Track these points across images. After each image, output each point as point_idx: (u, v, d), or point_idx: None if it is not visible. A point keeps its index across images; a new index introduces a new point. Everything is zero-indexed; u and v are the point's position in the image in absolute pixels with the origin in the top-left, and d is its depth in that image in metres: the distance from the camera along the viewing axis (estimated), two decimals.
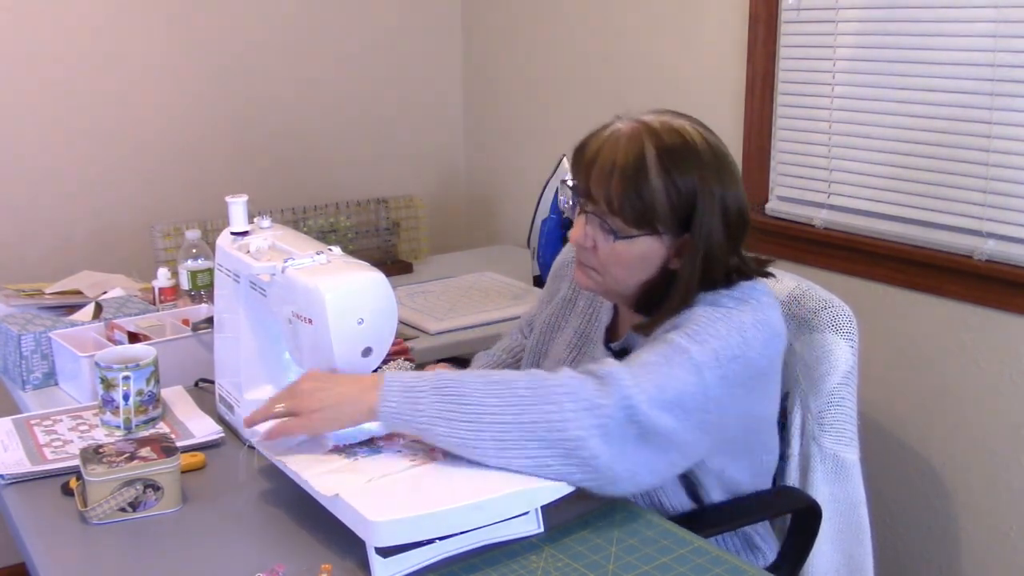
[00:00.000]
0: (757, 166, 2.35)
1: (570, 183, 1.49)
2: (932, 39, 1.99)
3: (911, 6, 2.01)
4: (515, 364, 1.82)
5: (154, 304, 2.13)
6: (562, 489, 1.28)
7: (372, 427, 1.40)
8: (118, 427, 1.60)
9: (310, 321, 1.40)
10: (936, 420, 2.08)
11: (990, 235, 1.94)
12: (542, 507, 1.28)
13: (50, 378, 1.91)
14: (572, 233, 1.47)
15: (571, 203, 1.47)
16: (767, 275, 1.49)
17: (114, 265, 2.56)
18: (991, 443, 1.99)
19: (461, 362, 1.97)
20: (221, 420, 1.65)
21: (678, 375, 1.30)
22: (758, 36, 2.29)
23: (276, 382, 1.58)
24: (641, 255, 1.42)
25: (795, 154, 2.29)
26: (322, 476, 1.28)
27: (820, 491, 1.59)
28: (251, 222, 1.62)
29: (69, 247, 2.75)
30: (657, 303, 1.44)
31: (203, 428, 1.62)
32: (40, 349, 1.89)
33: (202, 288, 2.20)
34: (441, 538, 1.21)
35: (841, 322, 1.60)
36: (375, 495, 1.23)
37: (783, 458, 1.63)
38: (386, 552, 1.19)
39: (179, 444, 1.50)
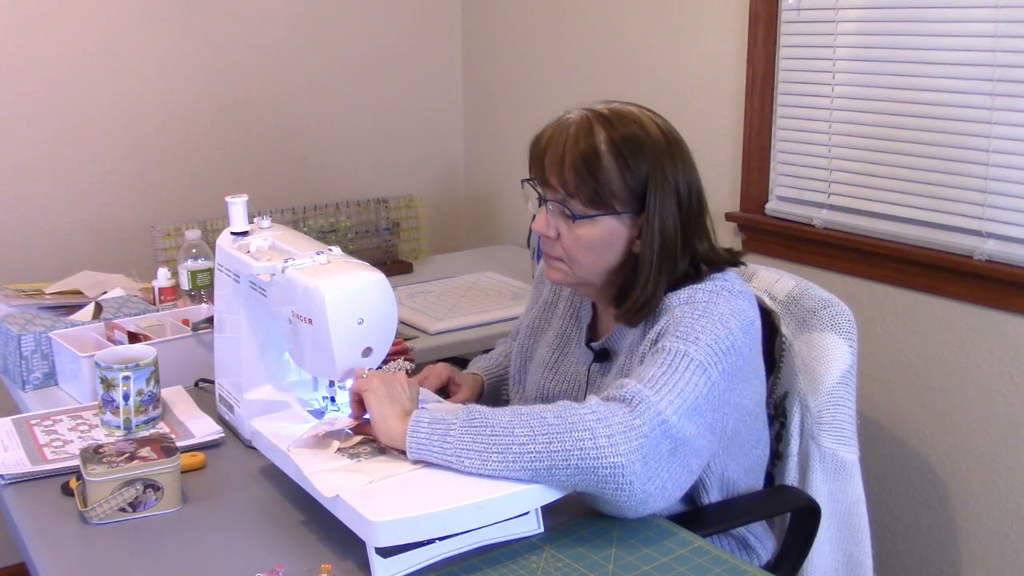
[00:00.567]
0: (757, 166, 2.35)
1: (528, 180, 1.53)
2: (932, 39, 1.99)
3: (911, 6, 2.01)
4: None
5: (154, 304, 2.13)
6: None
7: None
8: (118, 427, 1.60)
9: (310, 321, 1.40)
10: (936, 420, 2.09)
11: (990, 235, 1.94)
12: (542, 507, 1.28)
13: (50, 378, 1.91)
14: (535, 225, 1.49)
15: (537, 202, 1.50)
16: (737, 264, 1.51)
17: (114, 265, 2.56)
18: (991, 443, 1.99)
19: (461, 362, 1.97)
20: (221, 420, 1.66)
21: (688, 379, 1.31)
22: (758, 36, 2.29)
23: (276, 382, 1.58)
24: (603, 238, 1.44)
25: (795, 154, 2.29)
26: (324, 475, 1.28)
27: (819, 490, 1.59)
28: (251, 222, 1.62)
29: (69, 247, 2.75)
30: (629, 294, 1.46)
31: (203, 428, 1.62)
32: (40, 349, 1.89)
33: (202, 288, 2.20)
34: (441, 538, 1.21)
35: (840, 322, 1.60)
36: (375, 495, 1.23)
37: (782, 457, 1.64)
38: (386, 552, 1.19)
39: (179, 444, 1.50)
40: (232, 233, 1.61)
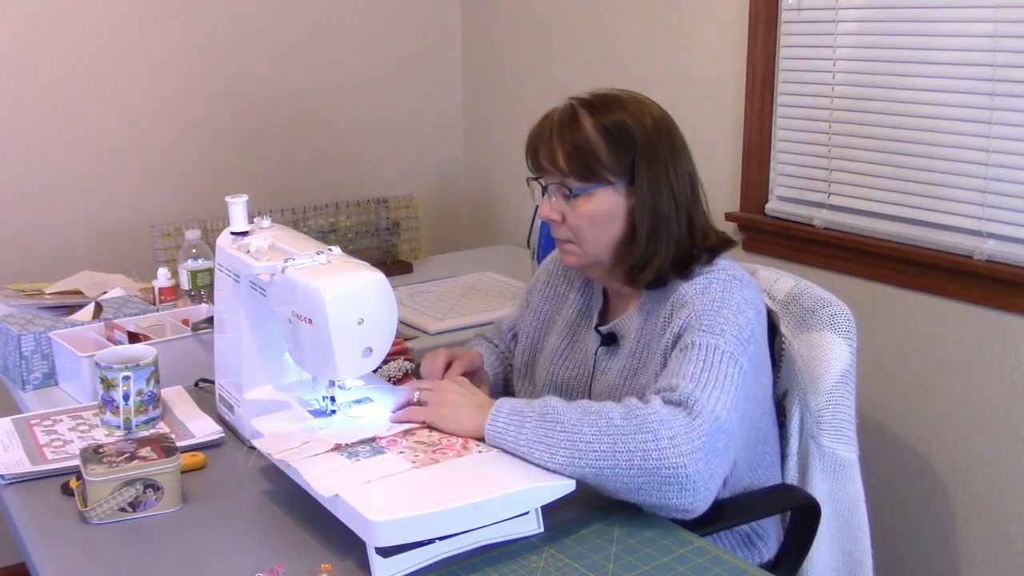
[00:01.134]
0: (757, 166, 2.35)
1: (530, 177, 1.59)
2: (932, 39, 1.99)
3: (911, 6, 2.01)
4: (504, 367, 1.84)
5: (154, 304, 2.13)
6: (562, 489, 1.29)
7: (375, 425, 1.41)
8: (118, 427, 1.60)
9: (310, 321, 1.40)
10: (935, 419, 2.09)
11: (990, 235, 1.94)
12: (542, 507, 1.28)
13: (50, 378, 1.91)
14: (541, 212, 1.55)
15: (542, 193, 1.57)
16: (729, 244, 1.56)
17: (114, 265, 2.56)
18: (991, 443, 1.99)
19: None
20: (221, 420, 1.66)
21: (726, 372, 1.36)
22: (758, 36, 2.29)
23: (276, 382, 1.58)
24: (602, 209, 1.50)
25: (795, 154, 2.29)
26: (322, 476, 1.28)
27: (819, 489, 1.59)
28: (251, 222, 1.62)
29: (69, 247, 2.75)
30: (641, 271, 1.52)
31: (203, 428, 1.62)
32: (40, 349, 1.89)
33: (202, 288, 2.20)
34: (441, 538, 1.21)
35: (840, 321, 1.61)
36: (375, 495, 1.23)
37: (782, 456, 1.63)
38: (386, 552, 1.19)
39: (179, 444, 1.50)
40: (232, 233, 1.61)
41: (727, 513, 1.46)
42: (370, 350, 1.43)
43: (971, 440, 2.03)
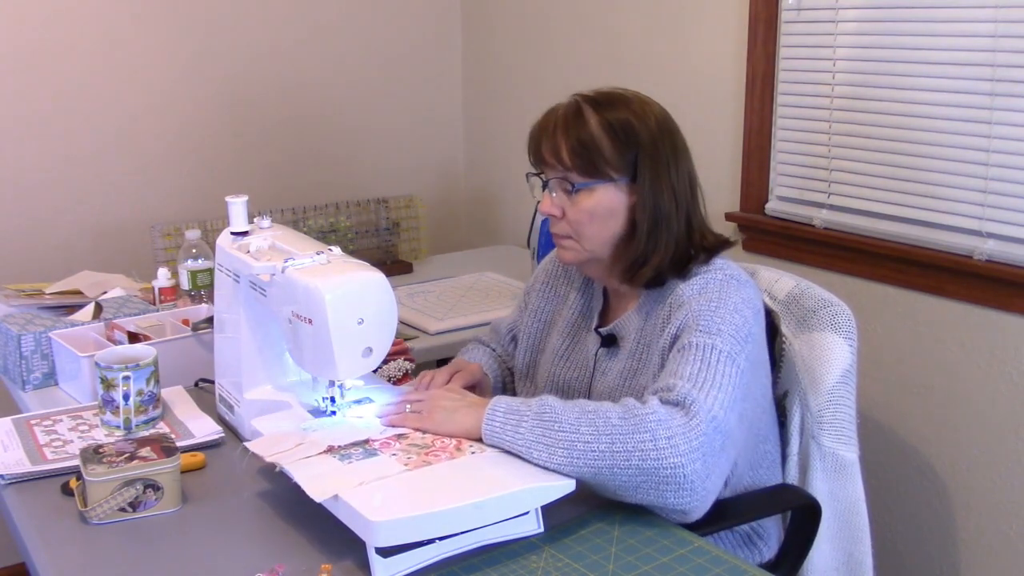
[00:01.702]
0: (757, 166, 2.35)
1: (531, 172, 1.60)
2: (932, 39, 1.99)
3: (911, 6, 2.01)
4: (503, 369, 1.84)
5: (154, 304, 2.13)
6: (562, 489, 1.29)
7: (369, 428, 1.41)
8: (118, 427, 1.60)
9: (310, 321, 1.40)
10: (936, 420, 2.08)
11: (990, 235, 1.94)
12: (542, 507, 1.28)
13: (50, 378, 1.91)
14: (541, 207, 1.55)
15: (542, 189, 1.57)
16: (726, 244, 1.56)
17: (114, 265, 2.56)
18: (991, 443, 1.99)
19: None
20: (221, 420, 1.66)
21: (723, 372, 1.36)
22: (758, 36, 2.29)
23: (276, 382, 1.58)
24: (603, 205, 1.50)
25: (795, 154, 2.29)
26: (314, 479, 1.28)
27: (820, 489, 1.59)
28: (251, 222, 1.62)
29: (69, 247, 2.75)
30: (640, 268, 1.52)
31: (203, 428, 1.62)
32: (40, 349, 1.89)
33: (202, 288, 2.20)
34: (441, 538, 1.21)
35: (840, 321, 1.60)
36: (375, 495, 1.23)
37: (783, 457, 1.63)
38: (386, 552, 1.19)
39: (179, 444, 1.50)
40: (232, 233, 1.61)
41: (727, 513, 1.46)
42: (370, 350, 1.43)
43: (971, 440, 2.03)
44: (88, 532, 1.33)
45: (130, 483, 1.35)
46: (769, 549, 1.57)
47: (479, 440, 1.39)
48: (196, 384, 1.84)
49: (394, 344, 1.51)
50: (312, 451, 1.36)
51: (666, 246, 1.50)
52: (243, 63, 2.93)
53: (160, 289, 2.14)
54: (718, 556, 1.24)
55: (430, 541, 1.21)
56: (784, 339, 1.65)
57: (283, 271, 1.44)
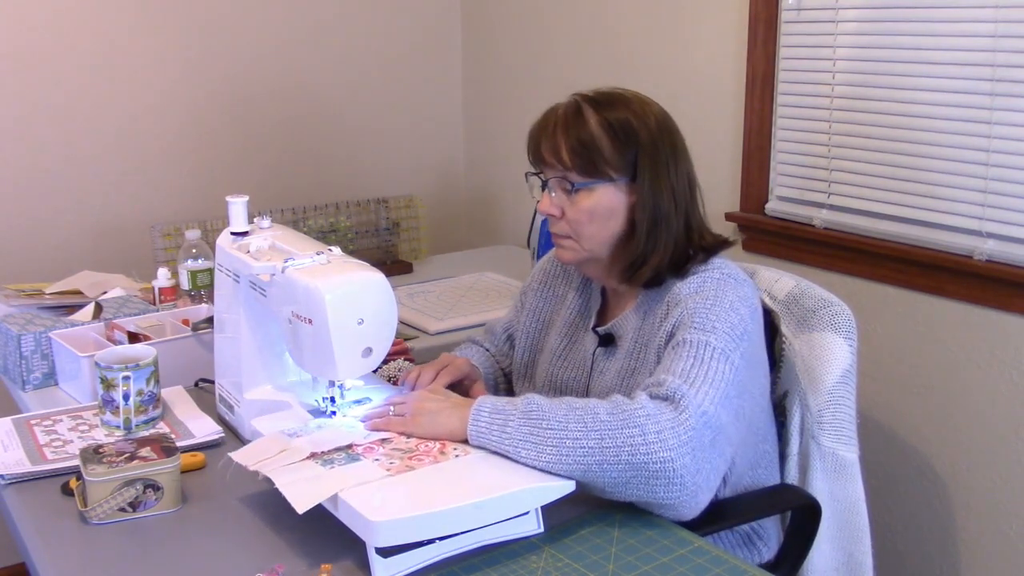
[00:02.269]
0: (757, 166, 2.35)
1: (530, 172, 1.60)
2: (932, 39, 1.99)
3: (911, 6, 2.01)
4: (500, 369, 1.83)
5: (154, 304, 2.13)
6: (562, 489, 1.29)
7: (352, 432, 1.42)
8: (118, 427, 1.60)
9: (310, 321, 1.40)
10: (936, 420, 2.08)
11: (990, 235, 1.94)
12: (542, 507, 1.28)
13: (50, 378, 1.91)
14: (540, 206, 1.55)
15: (541, 188, 1.57)
16: (725, 244, 1.56)
17: (114, 265, 2.56)
18: (991, 443, 1.99)
19: None
20: (221, 420, 1.66)
21: (716, 368, 1.36)
22: (758, 36, 2.29)
23: (276, 382, 1.58)
24: (603, 205, 1.50)
25: (795, 154, 2.29)
26: (295, 484, 1.27)
27: (820, 490, 1.59)
28: (251, 222, 1.62)
29: (69, 247, 2.75)
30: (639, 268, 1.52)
31: (203, 428, 1.62)
32: (40, 349, 1.89)
33: (202, 288, 2.20)
34: (441, 538, 1.21)
35: (840, 321, 1.60)
36: (375, 495, 1.23)
37: (783, 457, 1.63)
38: (386, 552, 1.19)
39: (179, 444, 1.50)
40: (232, 233, 1.61)
41: (727, 513, 1.46)
42: (370, 350, 1.43)
43: (971, 440, 2.03)
44: (88, 532, 1.33)
45: (130, 483, 1.35)
46: (769, 549, 1.57)
47: (464, 442, 1.37)
48: (196, 384, 1.84)
49: (394, 344, 1.51)
50: (295, 457, 1.35)
51: (665, 246, 1.50)
52: (243, 63, 2.93)
53: (160, 289, 2.15)
54: (718, 556, 1.24)
55: (430, 541, 1.21)
56: (784, 339, 1.66)
57: (283, 271, 1.44)
